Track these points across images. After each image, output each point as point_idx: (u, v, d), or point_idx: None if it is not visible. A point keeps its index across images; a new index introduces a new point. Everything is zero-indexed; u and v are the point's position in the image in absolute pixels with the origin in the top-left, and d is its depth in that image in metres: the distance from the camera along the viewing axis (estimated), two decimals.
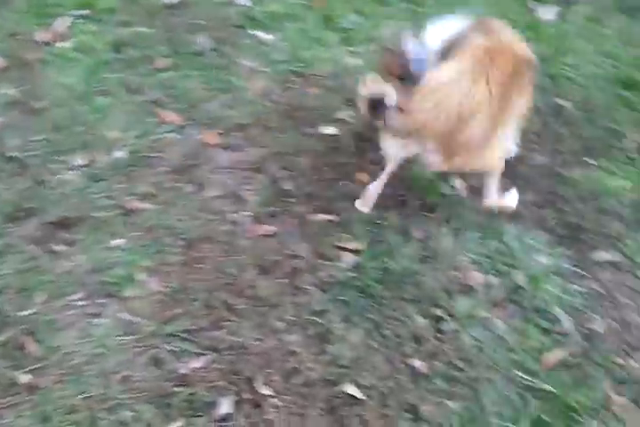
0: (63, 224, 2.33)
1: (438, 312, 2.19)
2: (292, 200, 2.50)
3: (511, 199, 2.51)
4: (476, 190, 2.54)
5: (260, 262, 2.29)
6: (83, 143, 2.60)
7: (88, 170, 2.51)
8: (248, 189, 2.53)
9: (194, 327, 2.11)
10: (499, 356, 2.08)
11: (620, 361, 2.10)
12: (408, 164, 2.45)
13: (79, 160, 2.54)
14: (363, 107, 2.21)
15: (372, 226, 2.42)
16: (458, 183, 2.59)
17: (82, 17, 3.19)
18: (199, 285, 2.22)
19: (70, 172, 2.50)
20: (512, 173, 2.62)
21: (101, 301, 2.15)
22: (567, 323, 2.20)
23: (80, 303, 2.14)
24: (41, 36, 3.06)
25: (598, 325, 2.20)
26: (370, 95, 2.16)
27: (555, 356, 2.09)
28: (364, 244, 2.36)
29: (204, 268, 2.27)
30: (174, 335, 2.08)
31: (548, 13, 3.46)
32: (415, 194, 2.54)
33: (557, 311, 2.22)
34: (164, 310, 2.14)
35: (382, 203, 2.49)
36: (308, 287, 2.24)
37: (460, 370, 2.04)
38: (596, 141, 2.83)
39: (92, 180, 2.48)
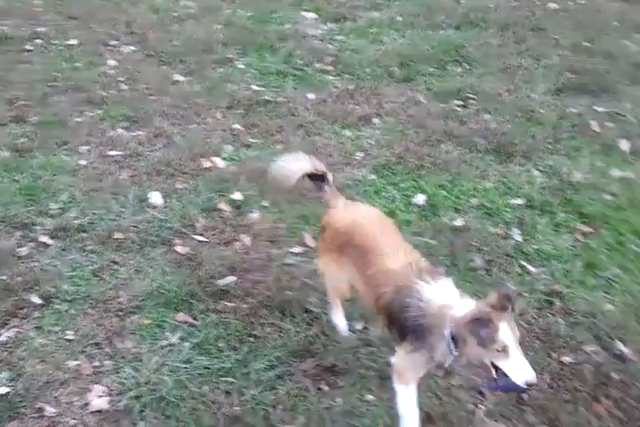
0: (333, 370, 2.87)
1: None
2: None
3: None
4: None
5: None
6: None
7: (363, 335, 3.08)
8: None
9: None
10: None
11: None
12: None
13: (358, 325, 3.13)
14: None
15: None
16: None
17: None
18: None
19: (349, 332, 3.07)
20: None
21: None
22: None
23: None
24: None
25: None
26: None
27: None
28: None
29: None
30: None
31: None
32: None
33: None
34: None
35: None
36: None
37: None
38: None
39: (364, 343, 3.02)
